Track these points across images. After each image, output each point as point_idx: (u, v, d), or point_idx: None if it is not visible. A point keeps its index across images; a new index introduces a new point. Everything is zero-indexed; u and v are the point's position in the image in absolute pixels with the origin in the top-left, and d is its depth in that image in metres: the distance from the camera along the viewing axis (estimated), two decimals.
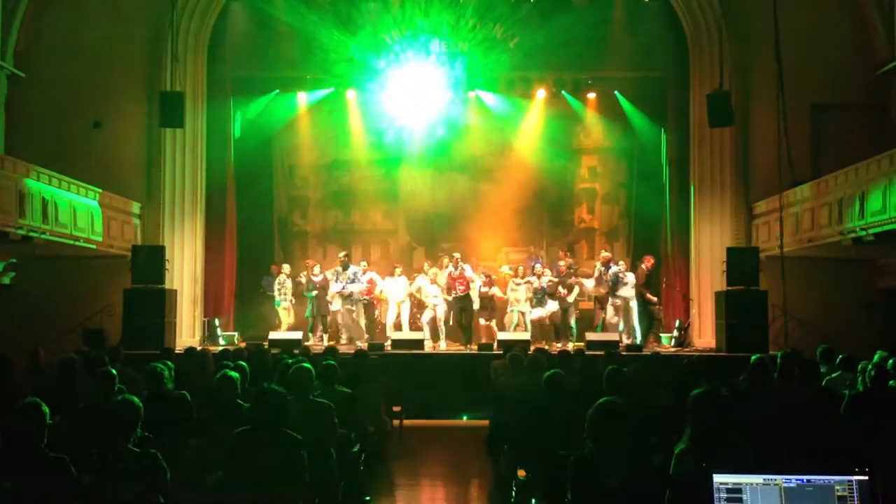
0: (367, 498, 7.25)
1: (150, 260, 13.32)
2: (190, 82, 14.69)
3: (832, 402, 6.00)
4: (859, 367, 6.84)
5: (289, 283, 15.05)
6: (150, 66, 14.82)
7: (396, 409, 9.86)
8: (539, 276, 14.33)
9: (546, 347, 12.53)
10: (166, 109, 12.66)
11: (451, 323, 14.56)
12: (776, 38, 10.37)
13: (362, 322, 14.50)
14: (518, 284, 14.34)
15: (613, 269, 14.22)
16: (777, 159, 11.01)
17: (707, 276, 14.85)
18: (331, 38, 15.30)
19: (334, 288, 14.31)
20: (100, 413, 4.96)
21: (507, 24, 15.37)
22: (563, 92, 16.45)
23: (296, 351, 9.76)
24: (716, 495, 3.08)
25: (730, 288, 13.24)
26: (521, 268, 14.75)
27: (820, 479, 3.08)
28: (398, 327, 14.45)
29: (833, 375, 7.56)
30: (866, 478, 3.08)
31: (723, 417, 4.38)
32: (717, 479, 3.10)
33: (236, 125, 15.94)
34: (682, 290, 15.19)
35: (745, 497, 3.08)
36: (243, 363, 7.17)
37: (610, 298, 14.11)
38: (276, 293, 15.07)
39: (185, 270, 14.87)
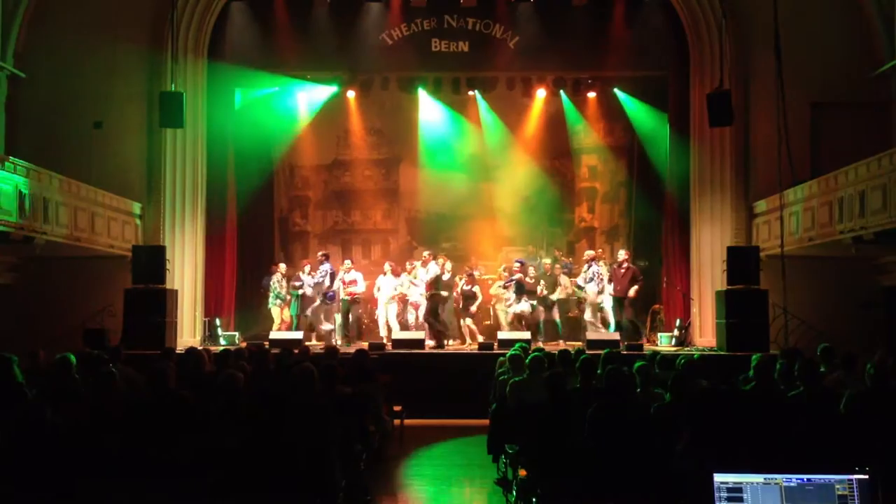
0: (368, 498, 7.25)
1: (151, 260, 13.33)
2: (190, 82, 14.69)
3: (833, 401, 5.99)
4: (860, 366, 6.83)
5: (283, 283, 15.05)
6: (151, 66, 14.83)
7: (397, 408, 9.86)
8: (512, 274, 14.29)
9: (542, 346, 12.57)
10: (166, 109, 12.66)
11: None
12: (776, 37, 10.37)
13: (338, 321, 14.58)
14: (499, 284, 14.44)
15: (593, 268, 14.23)
16: (777, 158, 11.02)
17: (707, 275, 14.86)
18: (331, 37, 15.32)
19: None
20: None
21: (507, 23, 15.37)
22: (563, 91, 16.45)
23: (296, 351, 9.77)
24: (716, 494, 3.08)
25: (730, 287, 13.25)
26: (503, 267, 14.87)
27: (820, 479, 3.08)
28: (389, 326, 14.47)
29: (833, 374, 7.55)
30: (867, 477, 3.08)
31: (723, 416, 4.39)
32: (718, 478, 3.10)
33: (237, 125, 15.93)
34: (683, 290, 15.19)
35: (745, 496, 3.08)
36: (244, 363, 7.18)
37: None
38: (269, 292, 15.08)
39: (185, 270, 14.87)
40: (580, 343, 13.09)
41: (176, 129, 13.90)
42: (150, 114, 14.37)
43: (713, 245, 14.85)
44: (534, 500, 5.47)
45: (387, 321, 14.66)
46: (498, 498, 7.48)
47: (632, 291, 13.98)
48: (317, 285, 14.54)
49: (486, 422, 8.91)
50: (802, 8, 14.08)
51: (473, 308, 14.43)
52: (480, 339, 14.00)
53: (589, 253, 14.95)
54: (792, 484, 3.08)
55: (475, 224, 16.81)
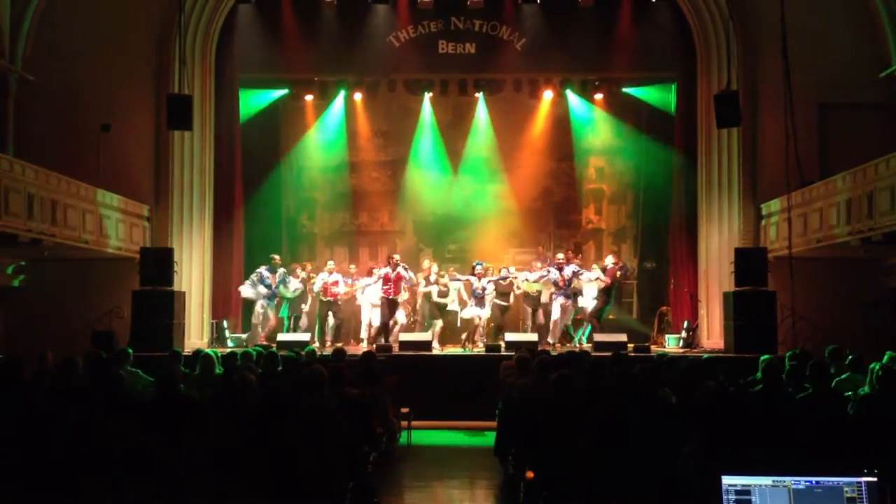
0: (376, 499, 7.26)
1: (159, 262, 13.37)
2: (198, 85, 14.73)
3: (841, 403, 5.98)
4: (869, 367, 6.81)
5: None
6: (159, 68, 14.88)
7: (404, 410, 9.87)
8: (479, 277, 14.15)
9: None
10: (174, 112, 12.68)
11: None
12: (783, 38, 10.32)
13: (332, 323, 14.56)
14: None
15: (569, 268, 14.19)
16: (785, 159, 10.97)
17: (715, 277, 14.83)
18: (338, 40, 15.35)
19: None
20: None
21: (514, 24, 15.38)
22: (570, 92, 16.44)
23: (303, 353, 9.78)
24: (724, 496, 3.08)
25: (738, 288, 13.22)
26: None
27: (829, 481, 3.08)
28: (376, 331, 14.34)
29: (842, 376, 7.53)
30: (875, 479, 3.07)
31: (731, 418, 4.38)
32: (726, 480, 3.10)
33: (244, 127, 15.97)
34: (690, 291, 15.15)
35: (753, 498, 3.07)
36: (252, 365, 7.20)
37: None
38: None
39: (193, 272, 14.91)
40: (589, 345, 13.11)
41: (184, 131, 13.95)
42: (159, 116, 14.43)
43: (721, 246, 14.82)
44: (541, 501, 5.47)
45: (370, 323, 14.62)
46: (505, 499, 7.48)
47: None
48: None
49: (494, 423, 8.92)
50: (810, 8, 14.03)
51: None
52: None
53: (559, 255, 14.90)
54: (800, 486, 3.07)
55: (482, 225, 16.80)
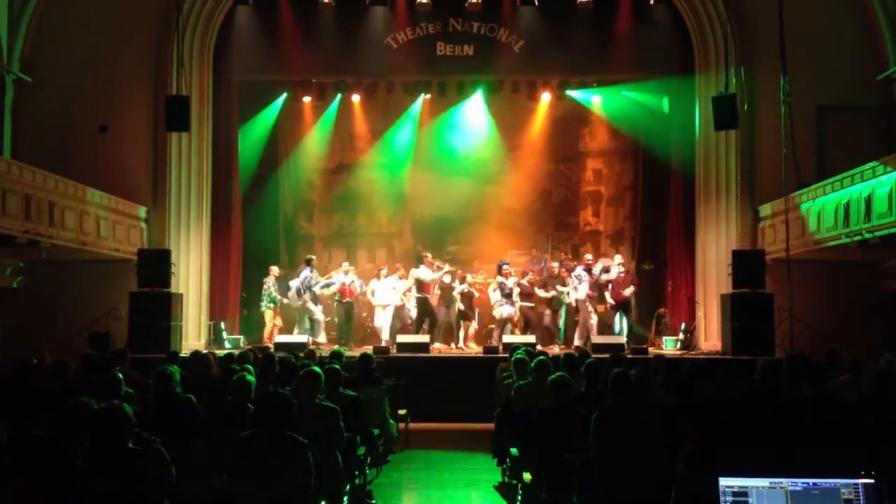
0: (373, 501, 7.27)
1: (156, 264, 13.37)
2: (196, 86, 14.70)
3: (838, 405, 5.97)
4: (866, 369, 6.82)
5: (276, 286, 14.98)
6: (156, 70, 14.88)
7: (402, 412, 9.86)
8: (507, 277, 14.23)
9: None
10: (172, 113, 12.68)
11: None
12: (781, 41, 10.34)
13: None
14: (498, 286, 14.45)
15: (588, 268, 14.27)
16: (783, 162, 11.00)
17: (713, 279, 14.84)
18: (336, 41, 15.35)
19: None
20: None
21: (512, 26, 15.39)
22: (568, 94, 16.45)
23: (301, 354, 9.78)
24: (721, 498, 3.08)
25: (735, 291, 13.23)
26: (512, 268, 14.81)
27: (826, 483, 3.08)
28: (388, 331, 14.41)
29: (840, 378, 7.53)
30: (872, 481, 3.07)
31: (729, 420, 4.38)
32: (723, 482, 3.10)
33: (242, 129, 15.97)
34: (688, 293, 15.17)
35: (750, 500, 3.07)
36: (250, 366, 7.19)
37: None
38: (262, 296, 15.02)
39: (190, 274, 14.89)
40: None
41: (181, 133, 13.95)
42: (156, 118, 14.42)
43: (718, 249, 14.83)
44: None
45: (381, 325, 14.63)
46: (502, 502, 7.48)
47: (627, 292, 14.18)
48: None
49: (491, 426, 8.91)
50: (808, 11, 14.05)
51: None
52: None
53: (588, 256, 15.00)
54: (797, 488, 3.07)
55: (480, 227, 16.81)
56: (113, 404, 4.45)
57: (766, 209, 14.48)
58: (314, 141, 17.05)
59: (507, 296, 14.12)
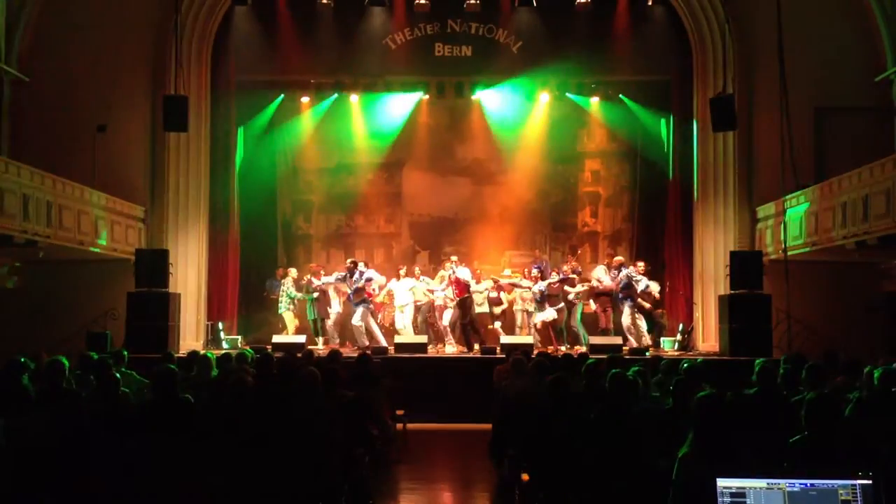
0: (371, 502, 7.25)
1: (154, 264, 13.35)
2: (194, 86, 14.67)
3: (836, 407, 5.97)
4: (864, 371, 6.82)
5: (293, 287, 15.04)
6: (154, 70, 14.87)
7: (400, 412, 9.86)
8: (535, 281, 14.21)
9: (550, 351, 12.58)
10: (170, 113, 12.68)
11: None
12: (779, 42, 10.35)
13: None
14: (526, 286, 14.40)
15: (625, 271, 14.17)
16: (780, 163, 11.00)
17: (710, 280, 14.85)
18: (335, 42, 15.35)
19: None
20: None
21: (511, 28, 15.39)
22: (566, 95, 16.45)
23: (299, 355, 9.77)
24: (719, 499, 3.08)
25: (733, 292, 13.24)
26: (529, 269, 14.76)
27: (824, 484, 3.08)
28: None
29: (837, 379, 7.54)
30: (870, 482, 3.08)
31: (727, 421, 4.38)
32: (721, 483, 3.10)
33: (240, 129, 15.95)
34: (686, 294, 15.18)
35: (748, 501, 3.08)
36: (247, 367, 7.18)
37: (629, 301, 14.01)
38: (280, 298, 15.06)
39: (188, 274, 14.87)
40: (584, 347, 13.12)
41: (180, 132, 13.93)
42: (154, 118, 14.41)
43: (716, 250, 14.84)
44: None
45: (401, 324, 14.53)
46: (500, 502, 7.47)
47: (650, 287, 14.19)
48: (357, 290, 13.98)
49: (489, 426, 8.92)
50: (806, 12, 14.07)
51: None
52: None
53: (618, 258, 15.02)
54: (795, 489, 3.07)
55: (478, 228, 16.81)
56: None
57: (764, 210, 14.49)
58: (312, 141, 17.02)
59: (540, 302, 13.99)
